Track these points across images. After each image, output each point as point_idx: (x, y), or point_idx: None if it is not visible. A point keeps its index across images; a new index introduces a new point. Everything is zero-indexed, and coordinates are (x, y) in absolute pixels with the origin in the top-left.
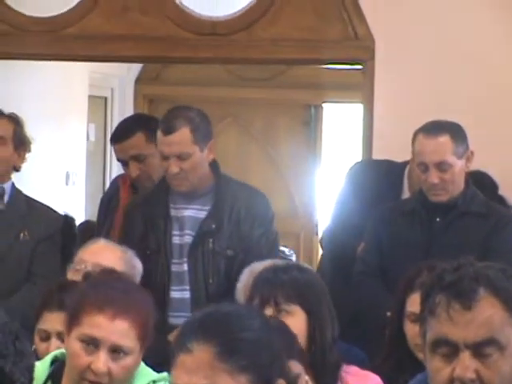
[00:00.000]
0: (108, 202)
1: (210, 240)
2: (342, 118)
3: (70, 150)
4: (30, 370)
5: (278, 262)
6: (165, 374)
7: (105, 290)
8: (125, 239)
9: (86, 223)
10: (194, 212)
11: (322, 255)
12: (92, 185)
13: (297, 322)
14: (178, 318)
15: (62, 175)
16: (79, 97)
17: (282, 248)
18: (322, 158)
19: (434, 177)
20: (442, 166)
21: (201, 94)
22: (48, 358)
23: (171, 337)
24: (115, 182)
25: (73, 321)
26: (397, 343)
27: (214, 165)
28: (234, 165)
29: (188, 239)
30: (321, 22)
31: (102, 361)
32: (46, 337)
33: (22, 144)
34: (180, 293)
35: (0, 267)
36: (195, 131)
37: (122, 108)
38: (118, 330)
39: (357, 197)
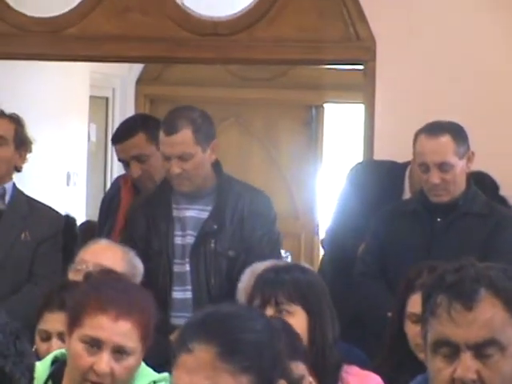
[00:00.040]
0: (109, 203)
1: (212, 240)
2: (343, 119)
3: (71, 151)
4: (31, 370)
5: (279, 262)
6: (165, 374)
7: (106, 290)
8: (127, 240)
9: (87, 223)
10: (196, 212)
11: (323, 256)
12: (93, 185)
13: (298, 322)
14: (179, 319)
15: (63, 175)
16: (80, 97)
17: None
18: (323, 158)
19: (435, 177)
20: (443, 167)
21: (202, 94)
22: (48, 358)
23: (173, 337)
24: (116, 183)
25: (74, 322)
26: (397, 344)
27: (216, 165)
28: (235, 165)
29: (190, 240)
30: (322, 23)
31: (104, 362)
32: (47, 337)
33: (23, 144)
34: (182, 293)
35: (1, 267)
36: (197, 132)
37: (123, 108)
38: (120, 330)
39: (358, 197)
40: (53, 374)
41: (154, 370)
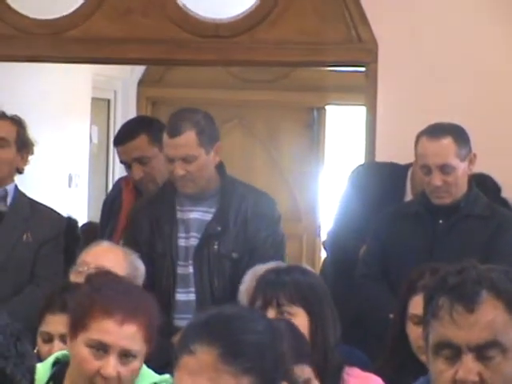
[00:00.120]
0: (111, 204)
1: (216, 242)
2: (345, 121)
3: (73, 152)
4: (32, 371)
5: (281, 264)
6: (167, 376)
7: (111, 294)
8: (131, 242)
9: (89, 225)
10: (200, 214)
11: (324, 258)
12: (95, 187)
13: (299, 323)
14: (183, 321)
15: (65, 177)
16: (82, 99)
17: None
18: (325, 160)
19: (436, 179)
20: (444, 169)
21: (204, 96)
22: (50, 360)
23: (175, 339)
24: (118, 184)
25: (78, 325)
26: (399, 345)
27: (220, 167)
28: (238, 167)
29: (194, 242)
30: (324, 25)
31: (111, 366)
32: (49, 339)
33: (24, 146)
34: (185, 295)
35: (3, 269)
36: (201, 134)
37: (125, 110)
38: (126, 334)
39: (360, 199)
40: (54, 376)
41: (155, 372)
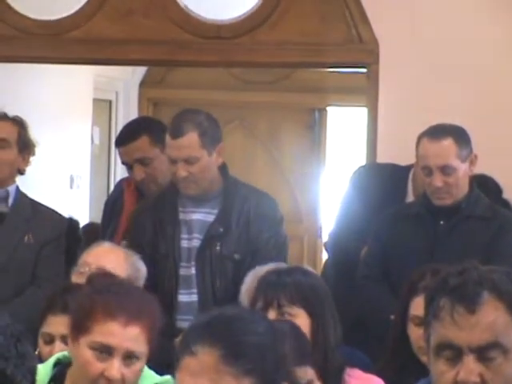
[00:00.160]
0: (112, 205)
1: (218, 244)
2: (346, 122)
3: (75, 153)
4: (33, 372)
5: (282, 265)
6: (168, 377)
7: (113, 296)
8: (133, 244)
9: (90, 225)
10: (202, 215)
11: (326, 259)
12: (96, 188)
13: (300, 324)
14: (185, 322)
15: (67, 178)
16: (84, 100)
17: None
18: (326, 161)
19: (437, 180)
20: (445, 170)
21: (205, 97)
22: (51, 361)
23: (177, 340)
24: (120, 185)
25: (81, 328)
26: (400, 346)
27: (223, 168)
28: (239, 168)
29: (196, 243)
30: (325, 26)
31: (115, 368)
32: (50, 340)
33: (26, 147)
34: (188, 296)
35: (4, 270)
36: (203, 135)
37: (127, 111)
38: (130, 336)
39: (361, 200)
40: (55, 377)
41: (157, 373)
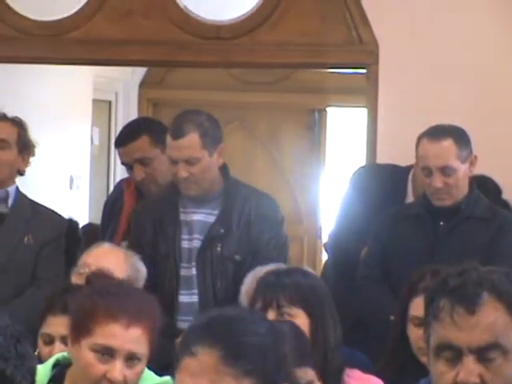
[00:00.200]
0: (112, 206)
1: (219, 244)
2: (345, 123)
3: (74, 154)
4: (32, 373)
5: (282, 265)
6: (167, 378)
7: (114, 297)
8: (134, 245)
9: (89, 226)
10: (203, 216)
11: (326, 260)
12: (96, 189)
13: (299, 325)
14: (186, 323)
15: (66, 179)
16: (83, 100)
17: None
18: (326, 162)
19: (437, 181)
20: (445, 171)
21: (205, 98)
22: (50, 362)
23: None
24: (119, 186)
25: (81, 330)
26: (400, 347)
27: (223, 169)
28: (239, 168)
29: (197, 243)
30: (325, 26)
31: (118, 370)
32: (50, 341)
33: (26, 148)
34: (188, 297)
35: (4, 271)
36: (204, 136)
37: (126, 112)
38: (132, 337)
39: (361, 201)
40: (54, 378)
41: (157, 374)
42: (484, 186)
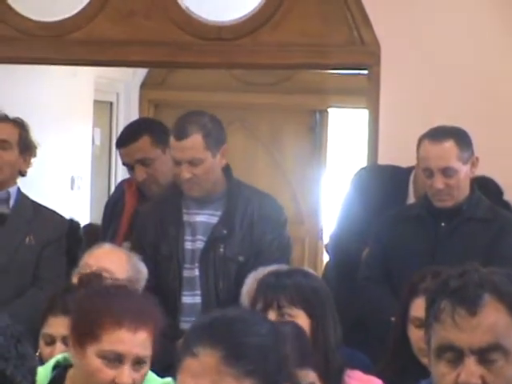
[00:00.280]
0: (113, 206)
1: (222, 246)
2: (347, 123)
3: (76, 155)
4: (33, 373)
5: (283, 266)
6: (169, 379)
7: (118, 303)
8: (137, 246)
9: (89, 226)
10: (206, 217)
11: (327, 261)
12: (97, 189)
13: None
14: (189, 324)
15: (67, 179)
16: (85, 101)
17: None
18: (327, 163)
19: (438, 182)
20: (446, 172)
21: (206, 99)
22: (50, 363)
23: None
24: (120, 186)
25: (87, 337)
26: (401, 348)
27: (226, 170)
28: (240, 169)
29: (200, 244)
30: (326, 27)
31: (126, 375)
32: (51, 341)
33: (27, 148)
34: (191, 298)
35: (5, 271)
36: (207, 137)
37: (128, 113)
38: (139, 341)
39: (362, 202)
40: (54, 379)
41: (158, 375)
42: (485, 186)
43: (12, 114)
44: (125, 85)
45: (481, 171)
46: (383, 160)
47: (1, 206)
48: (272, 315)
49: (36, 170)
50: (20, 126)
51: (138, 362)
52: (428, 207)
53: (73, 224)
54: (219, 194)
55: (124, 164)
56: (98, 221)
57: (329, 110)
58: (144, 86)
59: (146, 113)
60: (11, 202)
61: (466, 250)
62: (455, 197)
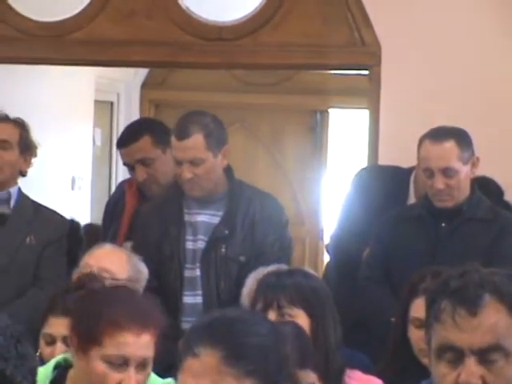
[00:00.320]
0: (114, 207)
1: (223, 246)
2: (347, 124)
3: (76, 155)
4: (33, 373)
5: (283, 266)
6: (170, 379)
7: (121, 306)
8: (139, 245)
9: (90, 226)
10: (207, 217)
11: (328, 262)
12: (98, 189)
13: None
14: (190, 324)
15: (68, 180)
16: (85, 101)
17: None
18: (328, 163)
19: (439, 182)
20: (447, 172)
21: (207, 99)
22: (51, 364)
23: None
24: (121, 187)
25: (90, 341)
26: (401, 348)
27: (228, 170)
28: (241, 169)
29: (201, 244)
30: (327, 28)
31: (132, 377)
32: (52, 341)
33: (27, 149)
34: (192, 298)
35: (6, 271)
36: (209, 137)
37: (128, 113)
38: (143, 344)
39: (362, 202)
40: (55, 380)
41: (160, 375)
42: (486, 187)
43: (12, 114)
44: (125, 85)
45: (481, 171)
46: (384, 160)
47: (1, 206)
48: (272, 315)
49: (36, 170)
50: (20, 126)
51: (142, 364)
52: (428, 207)
53: (73, 224)
54: (221, 194)
55: (124, 164)
56: (99, 221)
57: (329, 110)
58: (145, 86)
59: (147, 113)
60: (12, 202)
61: (466, 251)
62: (456, 197)
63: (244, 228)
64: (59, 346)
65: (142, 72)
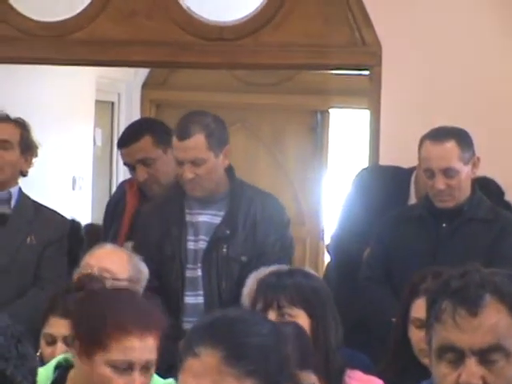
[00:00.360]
0: (114, 207)
1: (224, 246)
2: (348, 124)
3: (77, 155)
4: (33, 373)
5: (284, 267)
6: (171, 380)
7: (123, 310)
8: (140, 244)
9: (90, 226)
10: (208, 217)
11: (328, 262)
12: (98, 189)
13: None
14: (192, 324)
15: (69, 180)
16: (86, 101)
17: None
18: (329, 163)
19: (440, 183)
20: (448, 172)
21: (208, 99)
22: (52, 364)
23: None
24: (122, 187)
25: (94, 346)
26: (401, 348)
27: (229, 170)
28: (242, 169)
29: (202, 245)
30: (328, 28)
31: (137, 381)
32: (52, 341)
33: (28, 149)
34: (194, 298)
35: (7, 271)
36: (210, 137)
37: (129, 113)
38: (147, 347)
39: (363, 203)
40: (56, 380)
41: (160, 375)
42: (486, 187)
43: (13, 114)
44: (126, 85)
45: (482, 172)
46: (384, 160)
47: (2, 206)
48: (272, 315)
49: (37, 170)
50: (21, 126)
51: (146, 367)
52: (429, 208)
53: (74, 224)
54: (222, 195)
55: (125, 164)
56: (100, 221)
57: (330, 110)
58: (145, 86)
59: (148, 113)
60: (12, 202)
61: (467, 251)
62: (456, 197)
63: (245, 228)
64: (60, 346)
65: (143, 72)
